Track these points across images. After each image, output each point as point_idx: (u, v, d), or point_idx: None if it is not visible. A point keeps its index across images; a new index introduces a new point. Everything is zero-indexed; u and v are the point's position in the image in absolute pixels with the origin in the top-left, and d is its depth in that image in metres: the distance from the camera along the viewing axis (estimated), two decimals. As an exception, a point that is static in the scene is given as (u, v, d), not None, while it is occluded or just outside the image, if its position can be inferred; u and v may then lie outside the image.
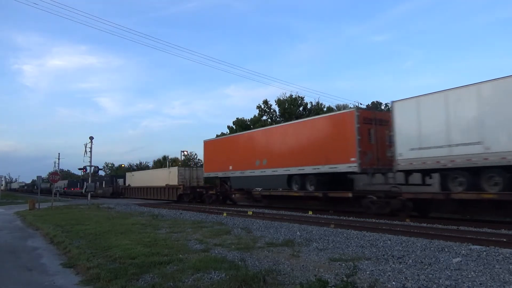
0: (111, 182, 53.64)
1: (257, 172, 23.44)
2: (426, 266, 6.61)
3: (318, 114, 33.89)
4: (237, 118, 47.53)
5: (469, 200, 13.39)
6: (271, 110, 46.27)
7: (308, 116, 37.22)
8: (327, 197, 18.89)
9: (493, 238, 9.54)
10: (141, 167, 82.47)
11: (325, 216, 16.94)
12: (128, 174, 49.20)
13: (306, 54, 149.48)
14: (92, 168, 33.29)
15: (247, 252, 8.24)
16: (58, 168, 63.90)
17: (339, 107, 45.11)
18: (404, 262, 6.98)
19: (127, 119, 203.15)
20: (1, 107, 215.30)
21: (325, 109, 44.98)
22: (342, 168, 17.93)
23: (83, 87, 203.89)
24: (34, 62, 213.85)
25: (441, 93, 14.34)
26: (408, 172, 15.83)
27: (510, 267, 6.50)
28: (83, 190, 49.27)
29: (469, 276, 5.92)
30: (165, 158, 74.87)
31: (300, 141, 20.63)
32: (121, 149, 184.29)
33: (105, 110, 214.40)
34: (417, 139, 14.87)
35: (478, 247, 8.32)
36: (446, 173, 14.24)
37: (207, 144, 29.92)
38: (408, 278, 5.84)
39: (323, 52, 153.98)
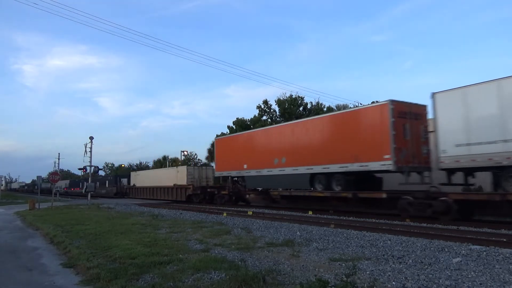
0: (114, 181, 52.70)
1: (275, 171, 21.97)
2: (426, 266, 6.61)
3: (318, 114, 33.64)
4: (237, 118, 47.60)
5: None
6: (271, 110, 46.31)
7: (308, 116, 37.19)
8: (357, 198, 17.37)
9: (493, 238, 9.53)
10: (141, 167, 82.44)
11: (325, 216, 16.92)
12: (132, 174, 47.81)
13: (306, 54, 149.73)
14: (92, 168, 33.29)
15: (247, 252, 8.24)
16: (58, 168, 63.89)
17: (339, 107, 45.09)
18: (404, 262, 6.98)
19: (127, 119, 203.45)
20: (1, 107, 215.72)
21: (325, 109, 45.03)
22: (374, 166, 16.46)
23: (83, 87, 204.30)
24: (34, 62, 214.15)
25: (493, 82, 13.00)
26: (450, 171, 14.42)
27: (510, 267, 6.50)
28: (83, 190, 49.13)
29: (469, 276, 5.92)
30: (165, 158, 74.92)
31: (325, 138, 19.11)
32: (121, 149, 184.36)
33: (105, 110, 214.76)
34: (465, 134, 13.54)
35: (478, 247, 8.32)
36: (499, 172, 12.97)
37: (219, 141, 28.56)
38: (408, 278, 5.84)
39: (323, 52, 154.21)
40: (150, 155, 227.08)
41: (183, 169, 34.41)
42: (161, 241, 9.96)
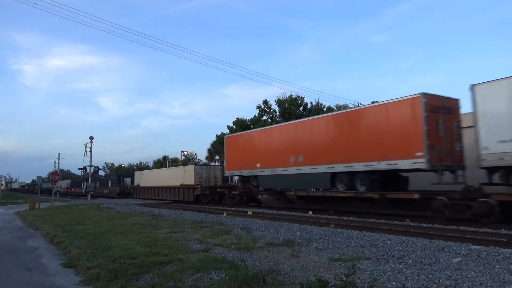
0: (117, 181, 51.97)
1: (291, 170, 20.73)
2: (426, 266, 6.61)
3: (318, 114, 33.46)
4: (237, 118, 47.69)
5: None
6: (271, 110, 46.39)
7: (308, 116, 37.16)
8: (384, 198, 16.15)
9: (493, 238, 9.54)
10: (141, 167, 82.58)
11: (325, 216, 16.91)
12: (137, 173, 46.61)
13: (306, 54, 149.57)
14: (92, 168, 33.27)
15: (247, 252, 8.24)
16: (58, 168, 63.87)
17: (339, 107, 45.15)
18: (404, 262, 6.98)
19: (127, 119, 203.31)
20: (1, 107, 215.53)
21: (325, 109, 45.10)
22: (404, 164, 15.30)
23: (83, 87, 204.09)
24: (34, 62, 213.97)
25: None
26: (492, 170, 13.43)
27: (510, 267, 6.50)
28: (83, 190, 49.04)
29: (469, 276, 5.93)
30: (165, 158, 75.10)
31: (347, 134, 17.88)
32: (121, 149, 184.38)
33: (105, 110, 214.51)
34: (510, 129, 12.60)
35: (478, 247, 8.32)
36: None
37: (229, 139, 27.40)
38: (408, 278, 5.85)
39: (323, 52, 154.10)
40: (150, 155, 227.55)
41: (190, 168, 33.42)
42: (161, 241, 9.97)
